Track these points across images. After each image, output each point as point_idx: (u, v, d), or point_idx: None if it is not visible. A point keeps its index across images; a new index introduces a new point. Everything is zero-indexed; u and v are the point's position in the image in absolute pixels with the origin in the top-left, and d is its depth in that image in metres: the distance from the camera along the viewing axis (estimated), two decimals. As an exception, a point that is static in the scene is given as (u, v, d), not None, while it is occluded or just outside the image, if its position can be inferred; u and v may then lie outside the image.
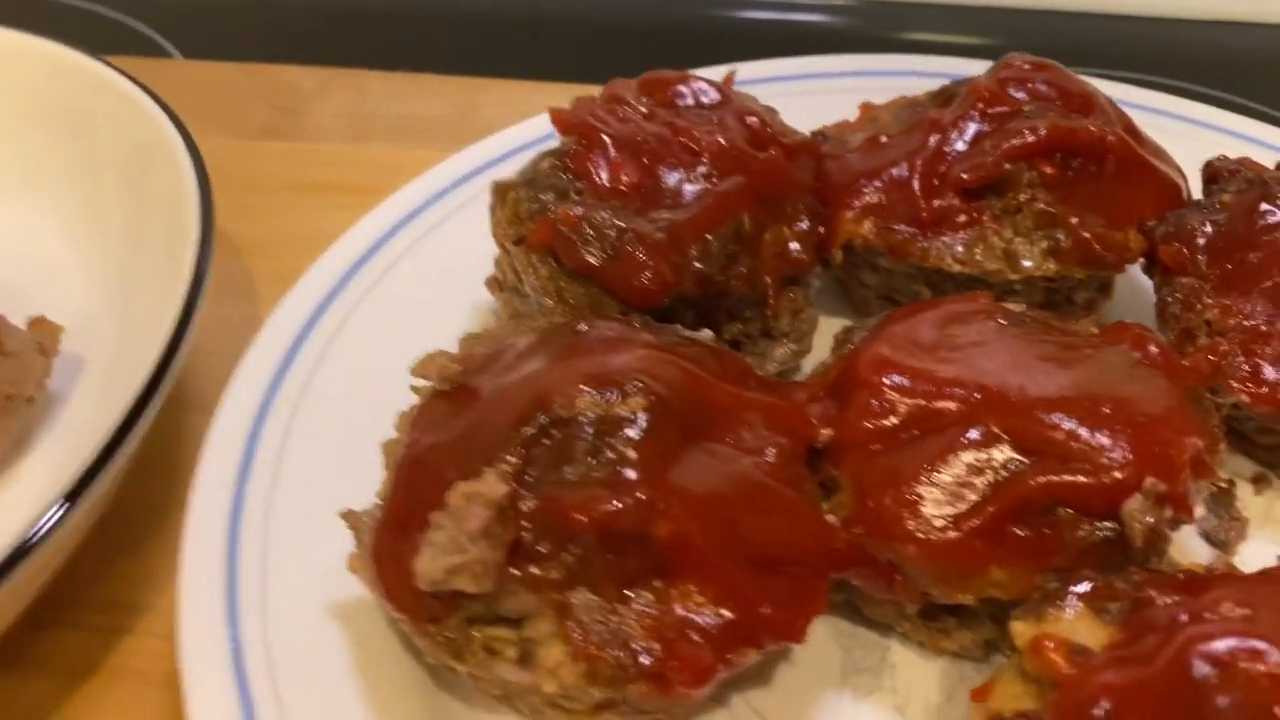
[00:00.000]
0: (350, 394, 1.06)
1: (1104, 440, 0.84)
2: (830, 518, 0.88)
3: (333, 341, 1.11)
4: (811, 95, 1.39)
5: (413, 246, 1.21)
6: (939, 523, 0.85)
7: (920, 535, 0.85)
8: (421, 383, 0.93)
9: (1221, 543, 1.03)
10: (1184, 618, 0.74)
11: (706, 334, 1.01)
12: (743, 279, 1.05)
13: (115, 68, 1.33)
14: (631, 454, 0.80)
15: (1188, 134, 1.37)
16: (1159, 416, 0.84)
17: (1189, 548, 1.01)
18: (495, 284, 1.14)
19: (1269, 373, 1.00)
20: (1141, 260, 1.14)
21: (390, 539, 0.81)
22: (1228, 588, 0.76)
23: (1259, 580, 0.78)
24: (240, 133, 1.58)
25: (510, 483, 0.78)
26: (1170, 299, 1.08)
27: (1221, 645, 0.70)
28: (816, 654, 0.95)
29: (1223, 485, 1.08)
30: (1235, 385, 1.00)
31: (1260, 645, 0.70)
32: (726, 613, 0.78)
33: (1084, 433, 0.84)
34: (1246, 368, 1.01)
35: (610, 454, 0.80)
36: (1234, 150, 1.21)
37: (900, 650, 0.96)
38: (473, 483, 0.77)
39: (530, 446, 0.81)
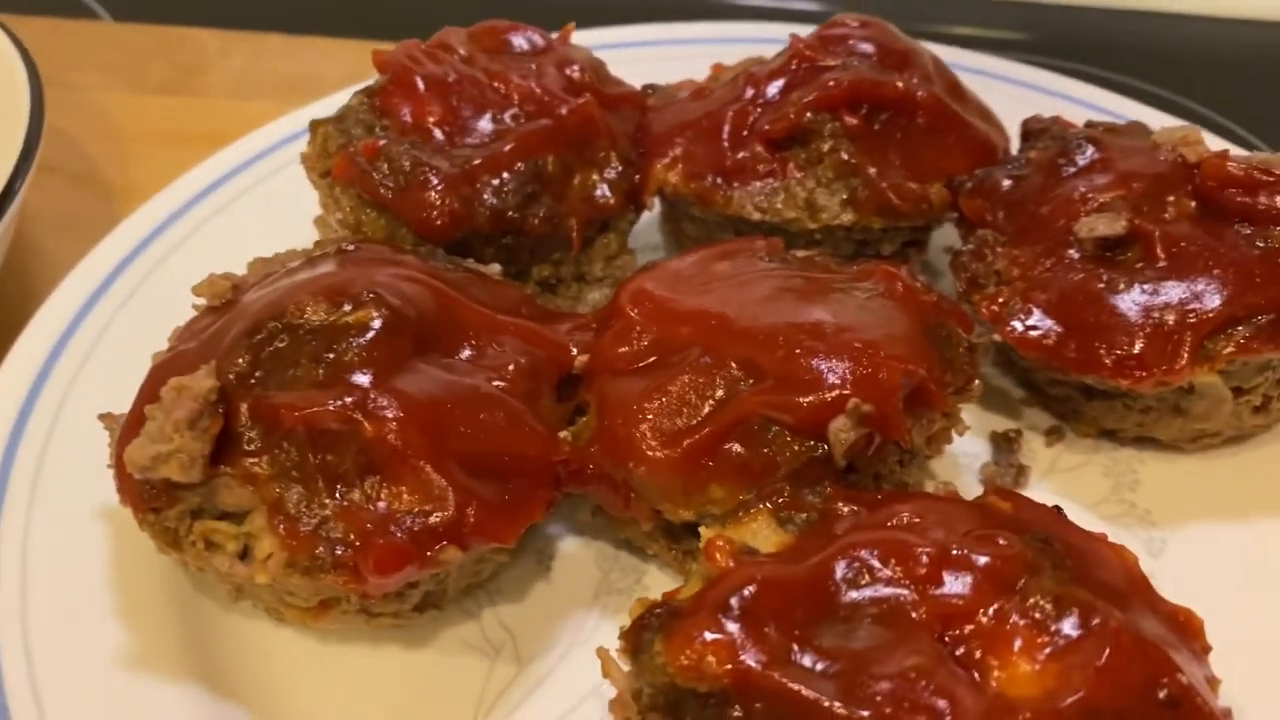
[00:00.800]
0: (163, 324, 1.09)
1: (818, 364, 0.85)
2: (565, 435, 0.91)
3: (154, 271, 1.16)
4: (668, 60, 1.42)
5: (249, 190, 1.25)
6: (664, 442, 0.87)
7: (648, 454, 0.88)
8: (201, 301, 0.97)
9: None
10: (849, 527, 0.76)
11: (494, 268, 1.04)
12: (544, 220, 1.08)
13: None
14: (353, 360, 0.84)
15: (1027, 98, 1.38)
16: (875, 342, 0.86)
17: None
18: (320, 222, 1.18)
19: (1037, 319, 1.01)
20: (955, 215, 1.16)
21: (126, 435, 0.85)
22: (910, 504, 0.79)
23: (944, 501, 0.80)
24: (140, 89, 1.64)
25: (222, 379, 0.81)
26: (962, 250, 1.10)
27: (866, 551, 0.73)
28: (575, 574, 0.99)
29: (1009, 433, 1.10)
30: (1007, 330, 1.01)
31: (903, 552, 0.72)
32: (430, 511, 0.81)
33: (801, 358, 0.86)
34: (1021, 314, 1.02)
35: (332, 359, 0.84)
36: (1078, 119, 1.23)
37: (656, 574, 0.98)
38: (183, 378, 0.81)
39: (259, 350, 0.85)
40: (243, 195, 1.25)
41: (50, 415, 1.01)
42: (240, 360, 0.84)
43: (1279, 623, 0.94)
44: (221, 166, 1.27)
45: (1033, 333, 1.01)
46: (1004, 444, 1.09)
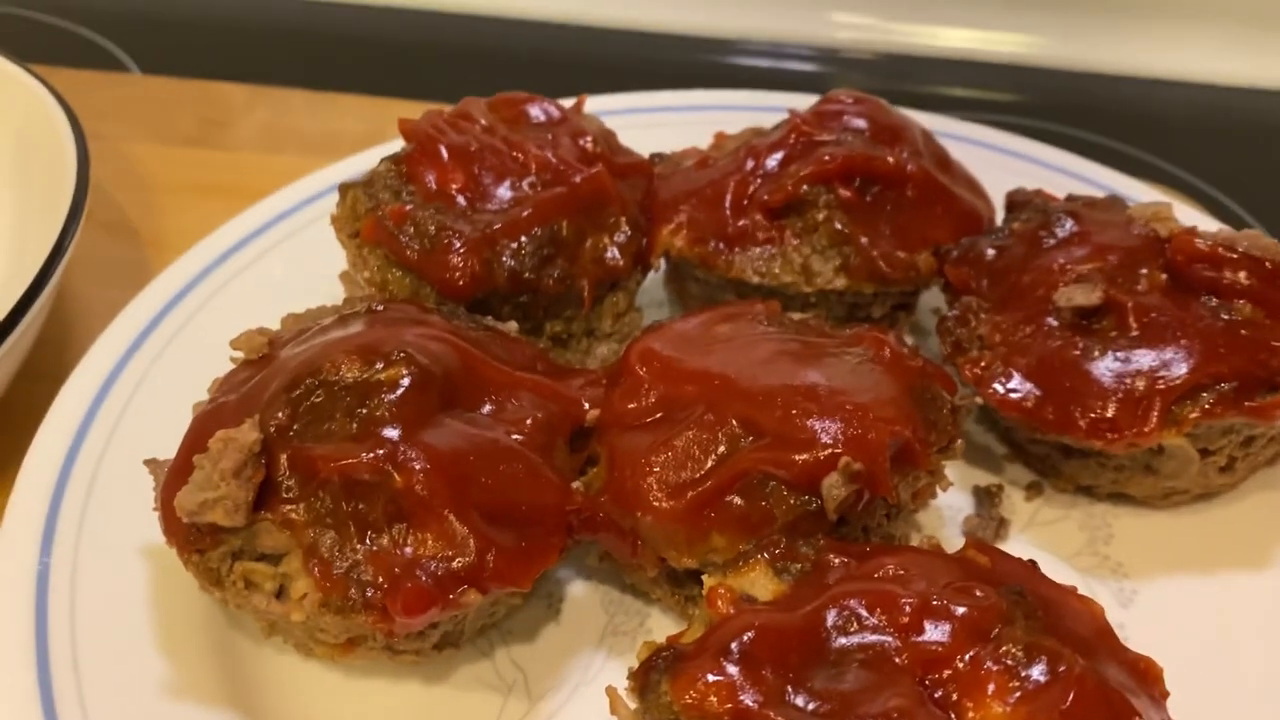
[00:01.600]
0: (198, 372, 1.16)
1: (814, 424, 0.93)
2: (577, 485, 0.98)
3: (190, 321, 1.23)
4: (674, 126, 1.50)
5: (278, 244, 1.33)
6: (669, 494, 0.94)
7: (654, 504, 0.95)
8: (239, 354, 1.04)
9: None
10: (839, 578, 0.83)
11: (511, 325, 1.12)
12: (558, 280, 1.16)
13: (32, 71, 1.46)
14: (384, 414, 0.91)
15: (1012, 166, 1.46)
16: (865, 405, 0.93)
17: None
18: (346, 278, 1.25)
19: (1017, 383, 1.09)
20: (942, 281, 1.24)
21: (172, 480, 0.92)
22: (896, 556, 0.86)
23: (927, 554, 0.87)
24: (168, 140, 1.72)
25: (264, 431, 0.88)
26: (947, 315, 1.17)
27: (855, 601, 0.79)
28: (583, 617, 1.05)
29: (991, 488, 1.17)
30: (989, 392, 1.09)
31: (888, 602, 0.79)
32: (453, 557, 0.88)
33: (797, 419, 0.93)
34: (1002, 378, 1.10)
35: (365, 414, 0.91)
36: (1062, 188, 1.32)
37: (659, 617, 1.05)
38: (230, 430, 0.88)
39: (297, 405, 0.92)
40: (273, 249, 1.32)
41: (95, 458, 1.07)
42: (280, 414, 0.91)
43: (1239, 667, 1.01)
44: (253, 221, 1.34)
45: (1013, 395, 1.08)
46: (986, 498, 1.16)
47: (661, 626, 1.04)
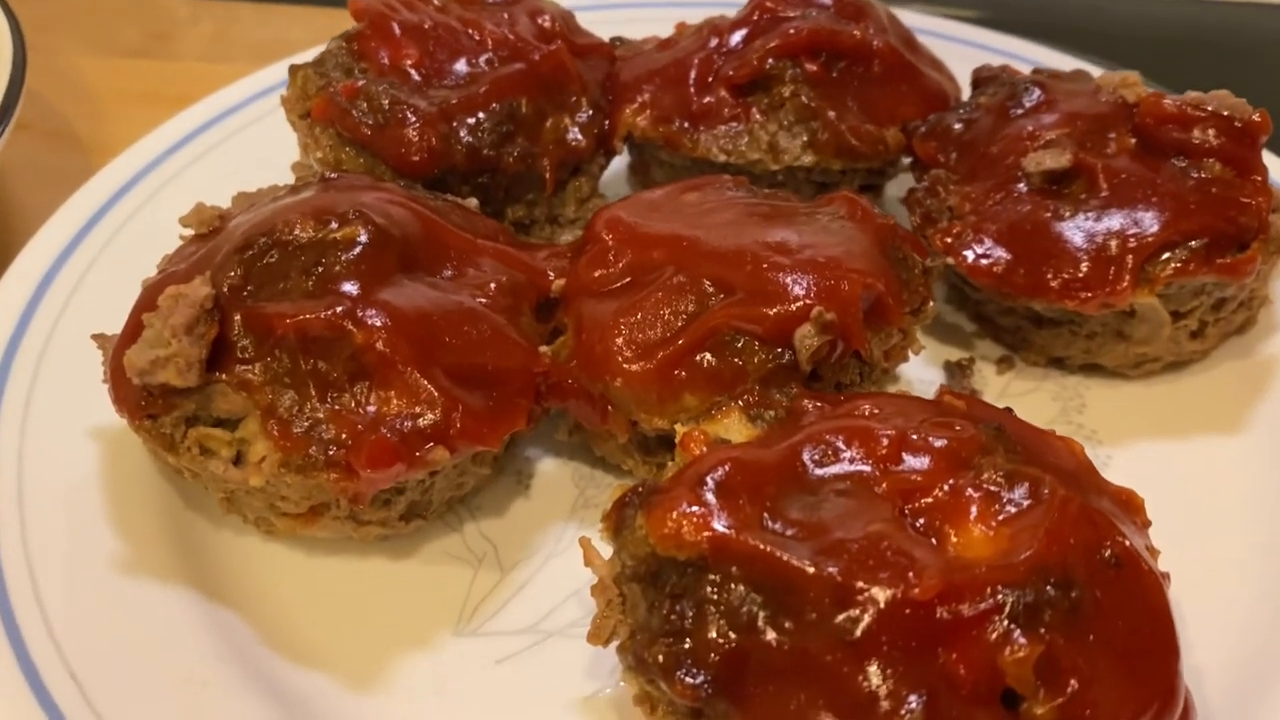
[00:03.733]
0: (147, 258, 1.12)
1: (784, 278, 0.91)
2: (545, 351, 0.95)
3: (140, 210, 1.19)
4: (635, 22, 1.47)
5: (229, 138, 1.29)
6: (639, 355, 0.92)
7: (624, 367, 0.92)
8: (189, 232, 1.01)
9: (953, 412, 1.10)
10: (815, 419, 0.81)
11: (472, 202, 1.08)
12: (518, 159, 1.12)
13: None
14: (341, 272, 0.88)
15: (976, 57, 1.44)
16: (837, 257, 0.92)
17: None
18: (299, 166, 1.21)
19: (988, 248, 1.07)
20: (909, 161, 1.22)
21: (122, 345, 0.88)
22: (871, 400, 0.84)
23: (902, 398, 0.86)
24: (112, 52, 1.66)
25: (216, 291, 0.85)
26: (916, 187, 1.15)
27: (832, 436, 0.78)
28: (553, 491, 1.03)
29: (962, 361, 1.16)
30: (960, 259, 1.07)
31: (865, 435, 0.77)
32: (418, 414, 0.85)
33: (768, 273, 0.91)
34: (974, 244, 1.08)
35: (321, 272, 0.88)
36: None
37: (629, 491, 1.03)
38: (179, 285, 0.84)
39: (250, 265, 0.88)
40: (224, 142, 1.28)
41: (42, 339, 1.04)
42: (232, 274, 0.87)
43: (1210, 526, 1.00)
44: (202, 115, 1.30)
45: (984, 261, 1.07)
46: (958, 371, 1.14)
47: (633, 500, 1.02)
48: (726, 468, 0.75)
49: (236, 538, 0.96)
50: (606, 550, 0.81)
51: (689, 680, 0.69)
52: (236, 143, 1.29)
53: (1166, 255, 1.03)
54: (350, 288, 0.87)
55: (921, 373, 1.13)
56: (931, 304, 1.01)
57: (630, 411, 0.94)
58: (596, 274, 0.98)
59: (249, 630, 0.89)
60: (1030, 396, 1.14)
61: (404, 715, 0.86)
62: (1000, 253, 1.07)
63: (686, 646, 0.70)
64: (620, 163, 1.29)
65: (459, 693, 0.88)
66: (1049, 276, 1.04)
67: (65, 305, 1.07)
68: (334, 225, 0.90)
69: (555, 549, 0.98)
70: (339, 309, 0.85)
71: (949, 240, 1.09)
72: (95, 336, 0.94)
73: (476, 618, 0.93)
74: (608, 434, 0.98)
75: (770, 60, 1.17)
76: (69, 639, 0.84)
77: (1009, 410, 0.88)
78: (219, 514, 0.96)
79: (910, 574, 0.68)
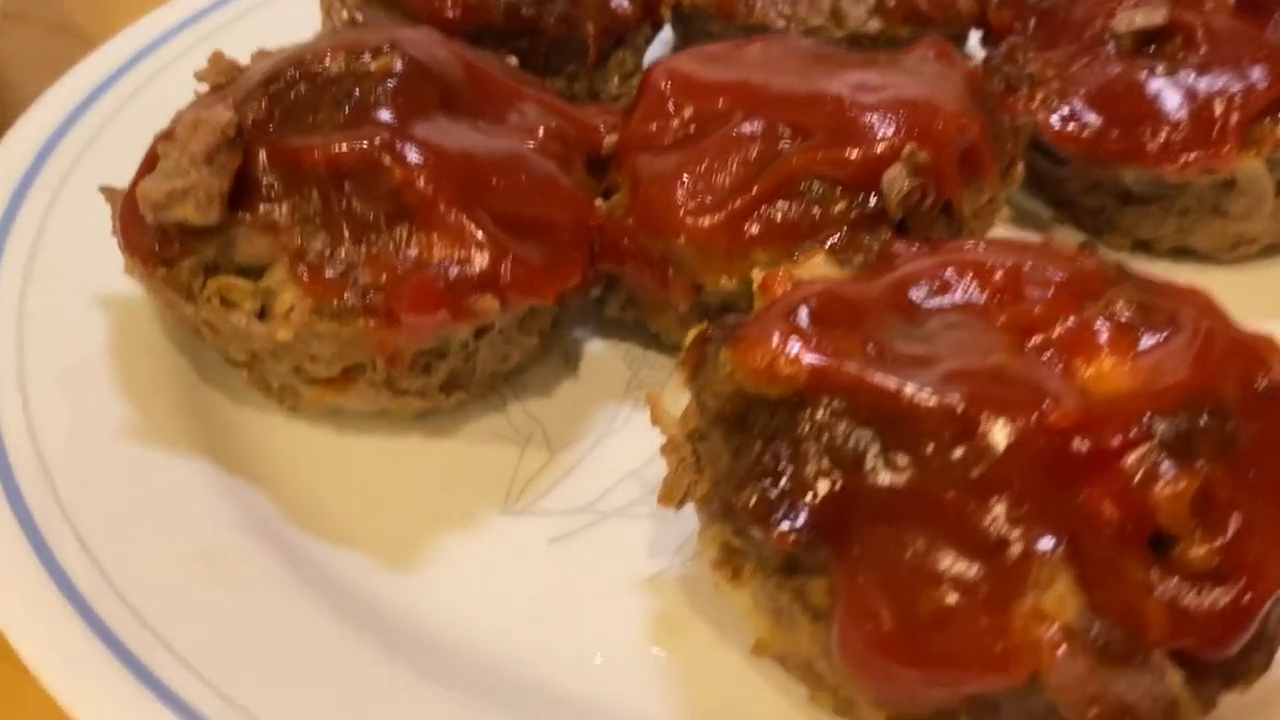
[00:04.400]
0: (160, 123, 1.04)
1: (870, 117, 0.82)
2: (600, 203, 0.86)
3: (153, 79, 1.10)
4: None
5: (240, 18, 1.19)
6: (706, 208, 0.83)
7: (688, 222, 0.83)
8: (205, 87, 0.91)
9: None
10: (914, 257, 0.72)
11: (512, 60, 0.99)
12: (559, 20, 1.03)
13: None
14: (376, 105, 0.79)
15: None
16: (929, 97, 0.83)
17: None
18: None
19: (1078, 110, 0.98)
20: (980, 34, 1.13)
21: (131, 190, 0.79)
22: (973, 242, 0.75)
23: (1008, 242, 0.77)
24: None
25: (243, 119, 0.76)
26: (993, 54, 1.07)
27: (940, 269, 0.69)
28: (603, 372, 0.94)
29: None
30: (1048, 126, 0.98)
31: (978, 267, 0.69)
32: (466, 260, 0.76)
33: (852, 113, 0.82)
34: (1061, 112, 0.99)
35: (354, 104, 0.79)
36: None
37: (687, 370, 0.94)
38: (199, 110, 0.75)
39: (276, 98, 0.79)
40: (242, 17, 1.19)
41: (45, 202, 0.95)
42: (257, 106, 0.78)
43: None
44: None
45: (1072, 126, 0.98)
46: (1038, 252, 1.05)
47: (691, 379, 0.93)
48: (823, 297, 0.66)
49: (259, 415, 0.87)
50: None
51: (786, 524, 0.60)
52: (253, 20, 1.19)
53: (1273, 115, 0.95)
54: (388, 121, 0.78)
55: (998, 255, 1.04)
56: (1020, 167, 0.92)
57: (694, 273, 0.85)
58: (654, 127, 0.89)
59: (274, 507, 0.81)
60: (1116, 282, 1.04)
61: (452, 595, 0.77)
62: (1090, 117, 0.98)
63: (783, 488, 0.61)
64: (661, 46, 1.20)
65: (511, 572, 0.79)
66: (1146, 139, 0.95)
67: (70, 170, 0.98)
68: (367, 57, 0.81)
69: (609, 429, 0.89)
70: (376, 140, 0.76)
71: (1033, 107, 1.00)
72: (104, 189, 0.85)
73: (525, 496, 0.84)
74: (665, 304, 0.89)
75: (833, -81, 1.08)
76: (76, 508, 0.75)
77: (1120, 263, 0.79)
78: (238, 389, 0.87)
79: (1044, 400, 0.59)
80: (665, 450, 0.72)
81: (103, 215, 0.87)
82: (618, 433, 0.89)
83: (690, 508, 0.72)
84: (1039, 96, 1.01)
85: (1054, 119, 0.99)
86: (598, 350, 0.96)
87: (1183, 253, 1.06)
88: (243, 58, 0.98)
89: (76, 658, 0.66)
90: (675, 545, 0.80)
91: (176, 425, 0.83)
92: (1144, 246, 1.07)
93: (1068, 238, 1.08)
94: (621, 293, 0.92)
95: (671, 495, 0.70)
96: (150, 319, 0.90)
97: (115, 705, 0.64)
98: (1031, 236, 1.08)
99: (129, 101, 1.06)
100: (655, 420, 0.73)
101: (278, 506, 0.81)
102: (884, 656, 0.59)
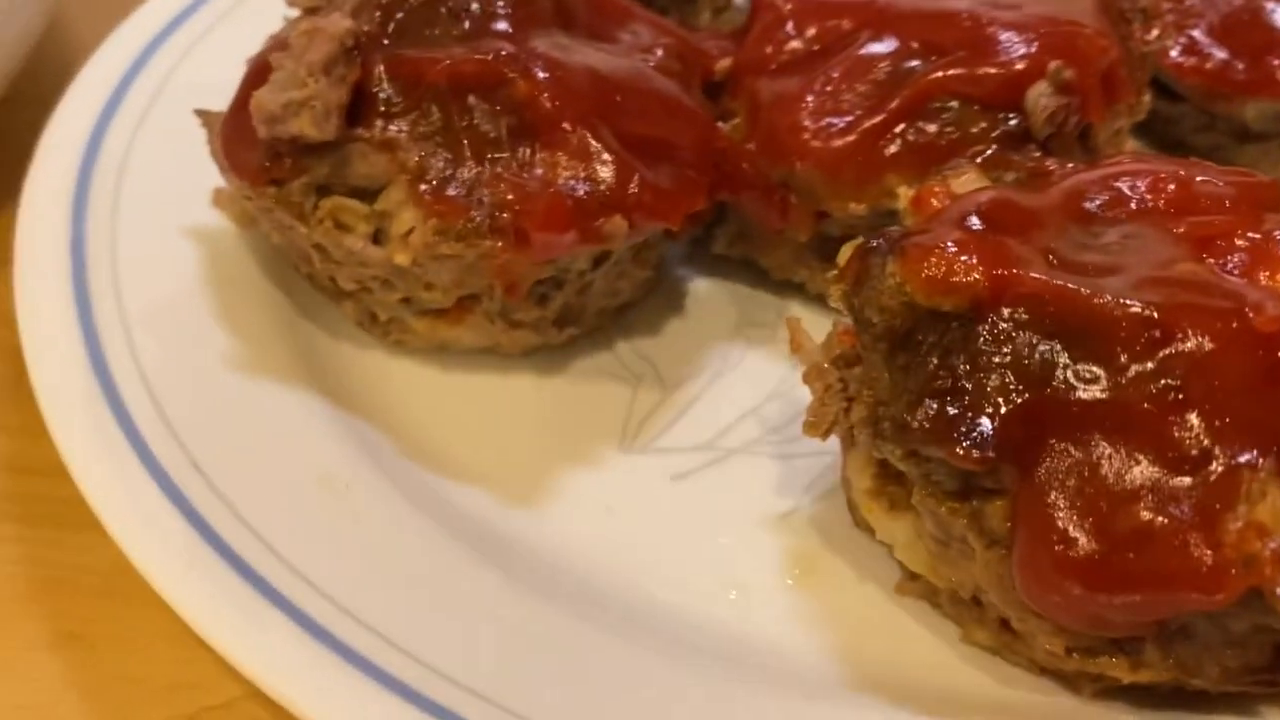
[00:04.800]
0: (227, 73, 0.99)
1: (1011, 34, 0.78)
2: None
3: (218, 25, 1.05)
4: None
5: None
6: (832, 131, 0.80)
7: (815, 144, 0.80)
8: (295, 12, 0.87)
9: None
10: (1076, 173, 0.68)
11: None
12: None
13: None
14: (494, 18, 0.76)
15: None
16: (1071, 16, 0.79)
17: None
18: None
19: (1200, 42, 0.95)
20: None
21: (236, 110, 0.75)
22: (1128, 159, 0.71)
23: (1159, 157, 0.73)
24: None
25: (355, 21, 0.72)
26: (1105, -12, 1.03)
27: (1110, 179, 0.65)
28: (711, 310, 0.90)
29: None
30: (1167, 59, 0.95)
31: (1150, 177, 0.65)
32: (593, 178, 0.72)
33: (990, 30, 0.79)
34: (1182, 43, 0.96)
35: (474, 16, 0.75)
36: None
37: (799, 309, 0.90)
38: (316, 19, 0.72)
39: (390, 10, 0.75)
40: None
41: (124, 143, 0.90)
42: (371, 17, 0.75)
43: None
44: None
45: (1194, 58, 0.94)
46: (1152, 192, 1.02)
47: (805, 317, 0.88)
48: (994, 204, 0.62)
49: (360, 351, 0.84)
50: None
51: (972, 441, 0.57)
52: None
53: None
54: (510, 34, 0.74)
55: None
56: (1147, 95, 0.88)
57: (820, 199, 0.81)
58: (771, 49, 0.85)
59: (389, 442, 0.77)
60: (1232, 224, 1.01)
61: (577, 533, 0.73)
62: (1214, 48, 0.94)
63: (965, 404, 0.58)
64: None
65: (636, 510, 0.75)
66: (1276, 67, 0.92)
67: (150, 103, 0.94)
68: (484, -30, 0.77)
69: (723, 367, 0.85)
70: (502, 52, 0.72)
71: (1149, 39, 0.97)
72: (199, 112, 0.81)
73: (644, 434, 0.80)
74: (780, 238, 0.85)
75: None
76: (191, 436, 0.71)
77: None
78: (338, 324, 0.84)
79: (1245, 307, 0.56)
80: (808, 378, 0.68)
81: (181, 148, 0.84)
82: (731, 370, 0.85)
83: (818, 444, 0.68)
84: (1155, 30, 0.97)
85: (1174, 52, 0.95)
86: (703, 289, 0.92)
87: (1300, 195, 1.02)
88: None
89: (210, 587, 0.63)
90: (804, 485, 0.77)
91: (282, 357, 0.80)
92: (1259, 189, 1.03)
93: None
94: (731, 226, 0.89)
95: (819, 425, 0.67)
96: (241, 253, 0.86)
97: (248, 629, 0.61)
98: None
99: (207, 34, 1.01)
100: (795, 348, 0.70)
101: (391, 441, 0.77)
102: (1078, 580, 0.55)
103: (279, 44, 0.77)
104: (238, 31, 1.01)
